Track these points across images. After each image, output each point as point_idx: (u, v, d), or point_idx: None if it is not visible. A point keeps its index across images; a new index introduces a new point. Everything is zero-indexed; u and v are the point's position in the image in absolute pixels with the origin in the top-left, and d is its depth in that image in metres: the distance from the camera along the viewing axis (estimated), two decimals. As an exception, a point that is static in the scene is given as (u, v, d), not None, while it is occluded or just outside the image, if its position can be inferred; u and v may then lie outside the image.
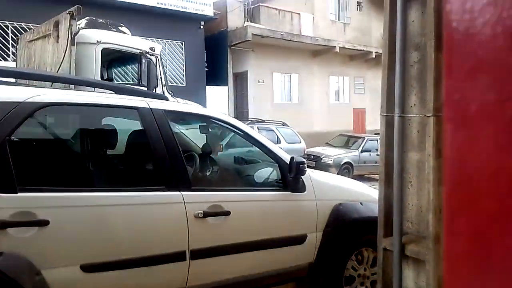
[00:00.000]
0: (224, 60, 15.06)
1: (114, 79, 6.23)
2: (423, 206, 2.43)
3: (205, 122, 2.99)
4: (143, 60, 5.84)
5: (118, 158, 2.85)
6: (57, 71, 5.01)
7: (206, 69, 14.28)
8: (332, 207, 2.88)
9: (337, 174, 9.88)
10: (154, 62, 5.97)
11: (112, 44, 5.80)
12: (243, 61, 15.22)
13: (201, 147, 3.25)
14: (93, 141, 2.85)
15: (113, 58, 6.00)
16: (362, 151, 11.32)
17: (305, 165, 2.70)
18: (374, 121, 16.73)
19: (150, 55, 5.95)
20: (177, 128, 2.96)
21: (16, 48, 6.61)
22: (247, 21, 15.16)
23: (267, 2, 16.52)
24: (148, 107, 2.38)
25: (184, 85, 13.66)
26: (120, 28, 6.28)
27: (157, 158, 2.35)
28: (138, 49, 5.97)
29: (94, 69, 5.50)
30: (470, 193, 0.37)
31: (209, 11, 13.78)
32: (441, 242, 2.29)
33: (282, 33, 14.74)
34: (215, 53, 14.77)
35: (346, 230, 2.92)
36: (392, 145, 2.54)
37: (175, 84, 13.38)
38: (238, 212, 2.48)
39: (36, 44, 5.94)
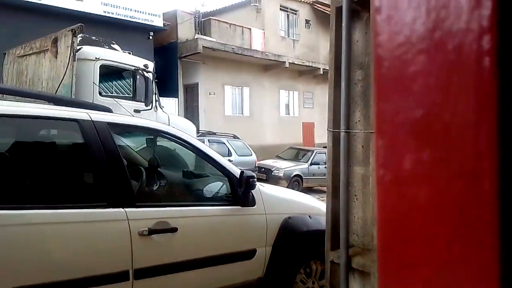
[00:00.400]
0: (174, 71, 14.86)
1: (111, 93, 6.42)
2: (368, 219, 2.50)
3: (152, 135, 2.89)
4: (138, 76, 6.23)
5: (57, 173, 2.67)
6: (58, 86, 5.20)
7: (156, 80, 13.97)
8: (282, 221, 2.89)
9: (287, 186, 10.01)
10: (150, 78, 6.32)
11: (110, 61, 6.10)
12: (193, 73, 15.11)
13: (147, 160, 3.13)
14: (29, 155, 2.65)
15: (108, 73, 6.18)
16: (311, 164, 11.58)
17: (255, 179, 2.69)
18: (322, 135, 17.24)
19: (145, 71, 6.27)
20: (122, 141, 2.84)
21: (2, 63, 6.75)
22: (198, 33, 15.13)
23: (218, 16, 16.64)
24: (90, 119, 2.26)
25: (131, 95, 13.24)
26: (112, 45, 6.60)
27: (98, 173, 2.23)
28: (134, 66, 6.31)
29: (92, 84, 5.74)
30: (399, 204, 0.41)
31: (158, 22, 13.59)
32: (385, 254, 2.37)
33: (233, 46, 14.85)
34: (165, 64, 14.53)
35: (295, 244, 2.94)
36: (338, 160, 2.61)
37: (121, 95, 12.96)
38: (185, 228, 2.41)
39: (29, 59, 6.12)
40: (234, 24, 16.30)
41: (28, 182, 2.33)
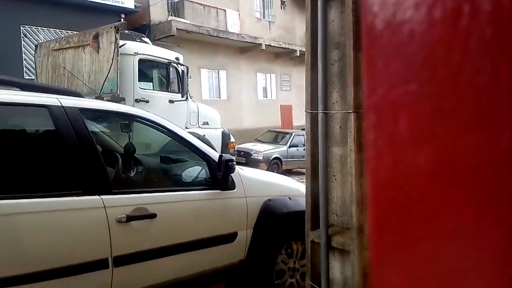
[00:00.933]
0: (148, 55, 14.51)
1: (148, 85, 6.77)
2: (347, 198, 2.53)
3: (127, 120, 2.82)
4: (170, 69, 6.70)
5: (29, 161, 2.58)
6: (105, 80, 5.69)
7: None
8: (262, 203, 2.90)
9: (267, 169, 10.06)
10: (184, 70, 6.80)
11: (147, 55, 6.52)
12: (168, 56, 14.79)
13: (123, 146, 3.06)
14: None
15: (144, 67, 6.59)
16: (290, 146, 11.64)
17: (234, 162, 2.68)
18: (300, 117, 17.34)
19: (177, 64, 6.73)
20: (95, 127, 2.76)
21: (35, 55, 7.17)
22: (171, 15, 14.75)
23: (192, -3, 16.24)
24: (60, 104, 2.18)
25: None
26: (143, 38, 7.05)
27: (71, 160, 2.16)
28: (167, 59, 6.74)
29: (132, 77, 6.15)
30: (395, 170, 0.38)
31: (129, 3, 13.15)
32: (364, 232, 2.41)
33: (208, 29, 14.58)
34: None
35: (276, 225, 2.96)
36: (317, 141, 2.62)
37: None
38: (164, 214, 2.39)
39: (66, 53, 6.56)
40: (209, 6, 15.96)
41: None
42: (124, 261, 2.20)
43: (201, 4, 15.76)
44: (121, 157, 2.74)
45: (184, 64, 6.89)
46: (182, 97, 6.70)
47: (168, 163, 3.15)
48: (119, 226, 2.17)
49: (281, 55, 18.43)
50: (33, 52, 11.45)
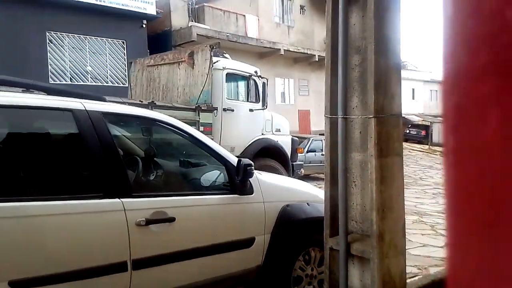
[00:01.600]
0: (168, 60, 14.71)
1: (233, 96, 7.46)
2: (367, 205, 2.49)
3: (148, 124, 2.85)
4: (251, 81, 7.34)
5: (52, 164, 2.64)
6: (200, 93, 6.60)
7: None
8: (280, 209, 2.88)
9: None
10: (264, 82, 7.53)
11: (233, 69, 7.19)
12: (188, 61, 14.96)
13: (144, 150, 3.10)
14: (23, 146, 2.61)
15: (229, 80, 7.31)
16: (307, 151, 11.57)
17: (253, 167, 2.67)
18: (318, 122, 17.23)
19: (257, 76, 7.42)
20: (117, 130, 2.80)
21: (130, 70, 8.34)
22: (191, 21, 14.94)
23: (211, 2, 16.40)
24: (84, 108, 2.22)
25: (126, 85, 13.15)
26: (224, 54, 7.69)
27: (94, 163, 2.19)
28: (248, 73, 7.41)
29: (221, 89, 6.83)
30: (475, 198, 0.33)
31: (151, 10, 13.39)
32: (384, 240, 2.36)
33: (227, 34, 14.70)
34: (159, 53, 14.38)
35: (294, 231, 2.93)
36: (336, 146, 2.59)
37: (116, 85, 12.86)
38: (183, 218, 2.40)
39: (161, 68, 7.56)
40: (228, 11, 16.09)
41: (23, 173, 2.30)
42: (143, 265, 2.22)
43: (221, 10, 15.92)
44: (141, 160, 2.77)
45: (263, 76, 7.62)
46: (263, 106, 7.39)
47: (187, 167, 3.17)
48: (138, 229, 2.19)
49: (300, 60, 18.39)
50: (58, 57, 11.77)
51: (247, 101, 7.40)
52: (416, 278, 3.35)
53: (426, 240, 5.16)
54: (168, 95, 7.28)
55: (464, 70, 0.34)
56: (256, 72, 7.51)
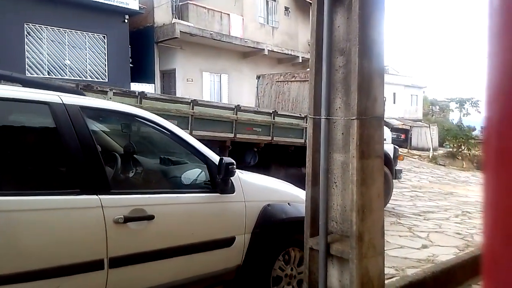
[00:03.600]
0: (150, 56, 14.53)
1: None
2: (347, 206, 2.51)
3: (128, 120, 2.79)
4: None
5: (27, 158, 2.55)
6: None
7: (131, 65, 13.66)
8: (261, 208, 2.87)
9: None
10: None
11: None
12: (171, 58, 14.82)
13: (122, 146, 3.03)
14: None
15: None
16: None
17: (234, 166, 2.65)
18: (300, 123, 17.26)
19: None
20: (96, 126, 2.73)
21: (257, 83, 9.15)
22: (175, 18, 14.79)
23: (196, 0, 16.29)
24: (61, 102, 2.15)
25: (106, 80, 12.92)
26: None
27: (70, 159, 2.13)
28: None
29: None
30: None
31: (134, 5, 13.19)
32: (363, 240, 2.38)
33: (211, 32, 14.62)
34: (141, 49, 14.19)
35: (274, 231, 2.93)
36: (318, 147, 2.60)
37: (95, 80, 12.61)
38: (163, 216, 2.36)
39: (291, 84, 8.44)
40: (213, 9, 16.01)
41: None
42: (120, 263, 2.17)
43: (205, 8, 15.82)
44: (120, 157, 2.71)
45: None
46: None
47: (168, 164, 3.12)
48: (116, 226, 2.14)
49: (284, 60, 18.45)
50: (36, 50, 11.46)
51: None
52: (394, 279, 3.39)
53: (404, 241, 5.25)
54: (298, 106, 7.95)
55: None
56: None
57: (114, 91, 4.88)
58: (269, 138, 6.04)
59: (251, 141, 5.92)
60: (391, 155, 8.07)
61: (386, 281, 2.72)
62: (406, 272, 3.80)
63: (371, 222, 2.43)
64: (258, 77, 9.22)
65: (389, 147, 8.26)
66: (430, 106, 40.27)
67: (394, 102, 29.00)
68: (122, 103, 4.73)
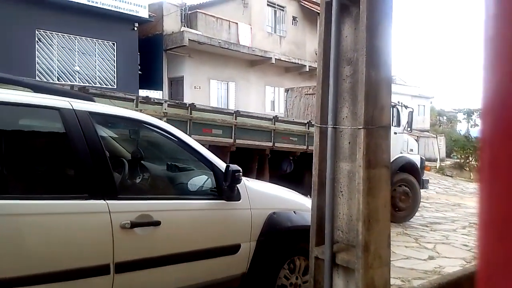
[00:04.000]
0: (159, 64, 14.67)
1: None
2: (353, 215, 2.50)
3: (136, 126, 2.82)
4: (395, 109, 8.04)
5: (37, 163, 2.59)
6: None
7: (140, 72, 13.80)
8: (266, 216, 2.87)
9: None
10: (412, 111, 8.46)
11: None
12: (179, 66, 14.94)
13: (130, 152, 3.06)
14: (7, 144, 2.55)
15: None
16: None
17: (241, 173, 2.66)
18: (306, 132, 17.24)
19: (402, 106, 8.33)
20: (104, 131, 2.76)
21: (286, 96, 9.92)
22: (184, 26, 14.94)
23: (205, 9, 16.45)
24: (71, 107, 2.19)
25: (115, 87, 13.04)
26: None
27: (79, 164, 2.16)
28: (394, 103, 7.99)
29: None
30: None
31: (143, 13, 13.36)
32: (369, 250, 2.37)
33: (219, 41, 14.73)
34: (150, 57, 14.33)
35: (280, 239, 2.92)
36: (325, 155, 2.60)
37: (104, 86, 12.74)
38: (169, 222, 2.37)
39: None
40: (221, 18, 16.15)
41: (6, 171, 2.25)
42: (126, 268, 2.18)
43: (213, 17, 15.97)
44: (128, 163, 2.74)
45: (409, 106, 8.64)
46: (405, 130, 8.29)
47: (175, 171, 3.14)
48: (122, 232, 2.15)
49: (291, 69, 18.52)
50: (46, 56, 11.63)
51: (392, 125, 8.43)
52: (399, 290, 3.36)
53: (410, 252, 5.20)
54: None
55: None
56: (399, 102, 8.69)
57: (168, 103, 5.32)
58: (305, 147, 6.41)
59: (288, 150, 6.26)
60: (418, 165, 8.33)
61: (392, 292, 2.69)
62: (412, 283, 3.76)
63: (377, 232, 2.42)
64: (286, 90, 9.80)
65: (416, 158, 8.56)
66: (438, 117, 40.03)
67: (402, 112, 28.82)
68: (175, 113, 5.33)
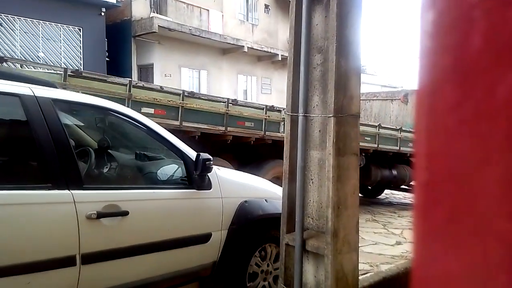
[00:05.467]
0: (127, 51, 14.26)
1: None
2: (323, 203, 2.54)
3: (102, 114, 2.73)
4: None
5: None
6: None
7: (107, 59, 13.38)
8: (238, 205, 2.87)
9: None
10: None
11: None
12: (148, 53, 14.59)
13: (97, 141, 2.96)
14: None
15: None
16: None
17: (212, 162, 2.63)
18: (278, 121, 17.32)
19: None
20: (69, 119, 2.66)
21: None
22: (153, 12, 14.56)
23: (176, -5, 16.07)
24: (33, 94, 2.09)
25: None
26: None
27: (42, 153, 2.07)
28: None
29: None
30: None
31: (112, -2, 12.92)
32: (339, 236, 2.41)
33: (190, 28, 14.46)
34: (118, 43, 13.91)
35: (251, 227, 2.93)
36: (296, 144, 2.61)
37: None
38: (137, 212, 2.32)
39: (372, 102, 10.54)
40: (192, 5, 15.83)
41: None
42: (93, 259, 2.13)
43: (184, 3, 15.63)
44: (94, 152, 2.66)
45: None
46: None
47: (144, 160, 3.08)
48: (89, 222, 2.10)
49: (263, 58, 18.47)
50: (8, 41, 11.06)
51: None
52: (368, 274, 3.46)
53: (378, 238, 5.36)
54: (380, 121, 9.04)
55: (435, 77, 0.35)
56: None
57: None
58: (375, 145, 7.29)
59: (364, 148, 7.00)
60: None
61: (360, 277, 2.77)
62: (380, 268, 3.88)
63: (346, 219, 2.46)
64: None
65: None
66: (406, 106, 41.22)
67: (371, 102, 29.45)
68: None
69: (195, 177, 2.59)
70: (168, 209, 2.53)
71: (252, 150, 5.88)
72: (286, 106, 2.74)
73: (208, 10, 16.22)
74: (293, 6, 2.69)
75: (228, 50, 16.71)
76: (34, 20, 11.68)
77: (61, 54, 12.42)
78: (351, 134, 2.51)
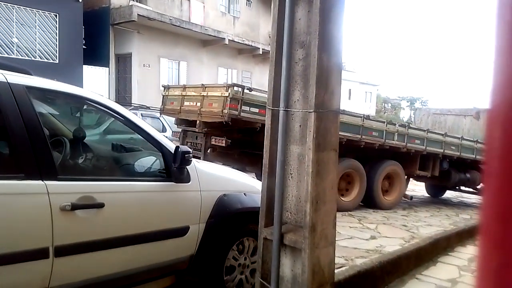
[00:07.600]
0: (105, 39, 13.92)
1: None
2: (302, 197, 2.55)
3: (78, 103, 2.65)
4: None
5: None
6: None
7: (84, 47, 13.02)
8: (216, 198, 2.85)
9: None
10: None
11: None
12: (127, 42, 14.28)
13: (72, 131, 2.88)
14: None
15: None
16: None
17: (191, 154, 2.60)
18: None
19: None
20: (43, 108, 2.57)
21: (415, 114, 13.36)
22: (133, 0, 14.24)
23: (157, -16, 15.75)
24: (5, 80, 2.00)
25: (57, 61, 12.23)
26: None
27: (15, 142, 1.99)
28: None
29: None
30: None
31: (90, -17, 12.55)
32: (316, 231, 2.43)
33: (171, 18, 14.24)
34: (95, 31, 13.55)
35: (230, 221, 2.92)
36: (276, 138, 2.61)
37: (45, 60, 11.90)
38: (113, 204, 2.27)
39: (447, 117, 11.83)
40: (173, -6, 15.58)
41: None
42: (66, 252, 2.07)
43: (165, -8, 15.36)
44: (69, 142, 2.58)
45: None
46: None
47: (121, 151, 3.02)
48: (62, 214, 2.04)
49: (244, 51, 18.40)
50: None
51: None
52: (343, 268, 3.51)
53: (354, 232, 5.45)
54: (453, 133, 9.63)
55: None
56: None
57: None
58: (458, 153, 8.69)
59: (449, 155, 8.62)
60: None
61: (336, 270, 2.81)
62: (355, 261, 3.95)
63: (324, 213, 2.49)
64: (415, 109, 12.35)
65: None
66: (383, 104, 41.92)
67: (350, 98, 29.90)
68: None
69: (174, 170, 2.56)
70: (145, 202, 2.49)
71: (372, 152, 7.50)
72: (268, 100, 2.73)
73: (189, 1, 16.00)
74: (276, -1, 2.67)
75: (208, 42, 16.55)
76: (8, 4, 11.24)
77: (36, 41, 12.01)
78: (331, 130, 2.52)
